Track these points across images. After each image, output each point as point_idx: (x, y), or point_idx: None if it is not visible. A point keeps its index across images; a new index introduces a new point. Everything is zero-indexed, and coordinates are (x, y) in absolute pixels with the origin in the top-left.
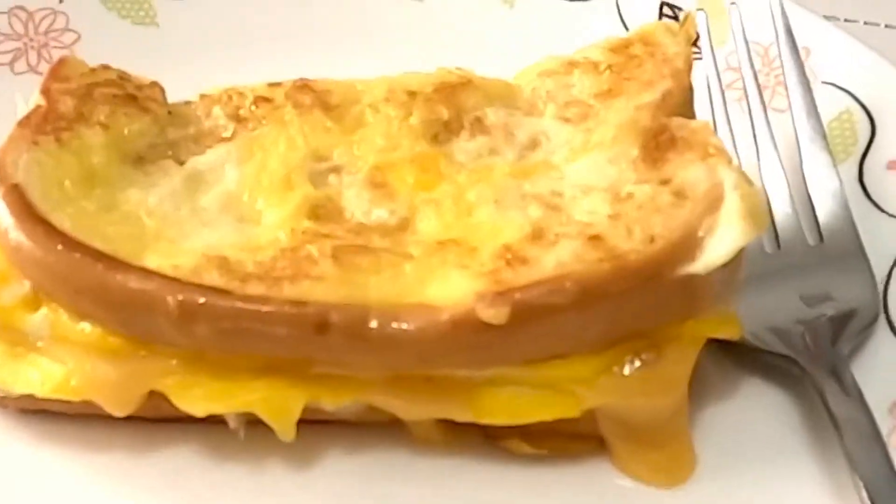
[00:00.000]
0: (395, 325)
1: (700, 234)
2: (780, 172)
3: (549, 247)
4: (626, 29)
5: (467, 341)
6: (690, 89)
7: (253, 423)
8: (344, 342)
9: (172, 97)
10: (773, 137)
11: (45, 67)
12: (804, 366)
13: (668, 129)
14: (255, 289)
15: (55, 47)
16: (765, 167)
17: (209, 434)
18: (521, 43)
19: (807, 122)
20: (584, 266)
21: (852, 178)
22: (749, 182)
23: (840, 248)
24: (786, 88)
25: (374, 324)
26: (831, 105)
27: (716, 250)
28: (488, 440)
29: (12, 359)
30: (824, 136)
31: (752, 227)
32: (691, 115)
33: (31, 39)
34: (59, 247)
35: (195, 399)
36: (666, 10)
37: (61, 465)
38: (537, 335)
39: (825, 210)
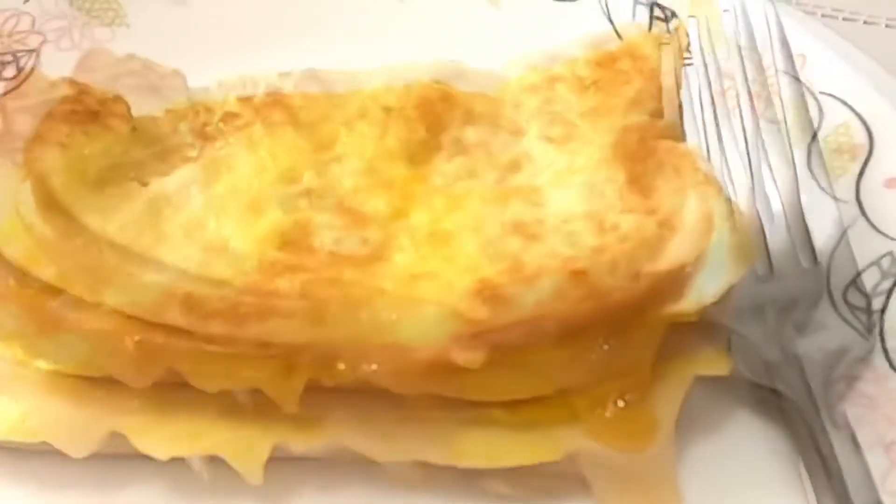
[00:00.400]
0: (364, 368)
1: (688, 269)
2: (774, 190)
3: (529, 282)
4: (614, 27)
5: (442, 384)
6: (680, 108)
7: (220, 461)
8: (312, 383)
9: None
10: (766, 153)
11: (11, 72)
12: (797, 402)
13: (655, 153)
14: (218, 328)
15: (21, 51)
16: (757, 184)
17: (174, 473)
18: (506, 41)
19: (801, 139)
20: (565, 304)
21: (850, 197)
22: (739, 213)
23: (834, 271)
24: (781, 101)
25: (342, 367)
26: (829, 117)
27: (704, 288)
28: (466, 480)
29: None
30: (820, 154)
31: (742, 262)
32: (681, 131)
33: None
34: (11, 281)
35: (157, 441)
36: (657, 11)
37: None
38: (515, 376)
39: (820, 231)
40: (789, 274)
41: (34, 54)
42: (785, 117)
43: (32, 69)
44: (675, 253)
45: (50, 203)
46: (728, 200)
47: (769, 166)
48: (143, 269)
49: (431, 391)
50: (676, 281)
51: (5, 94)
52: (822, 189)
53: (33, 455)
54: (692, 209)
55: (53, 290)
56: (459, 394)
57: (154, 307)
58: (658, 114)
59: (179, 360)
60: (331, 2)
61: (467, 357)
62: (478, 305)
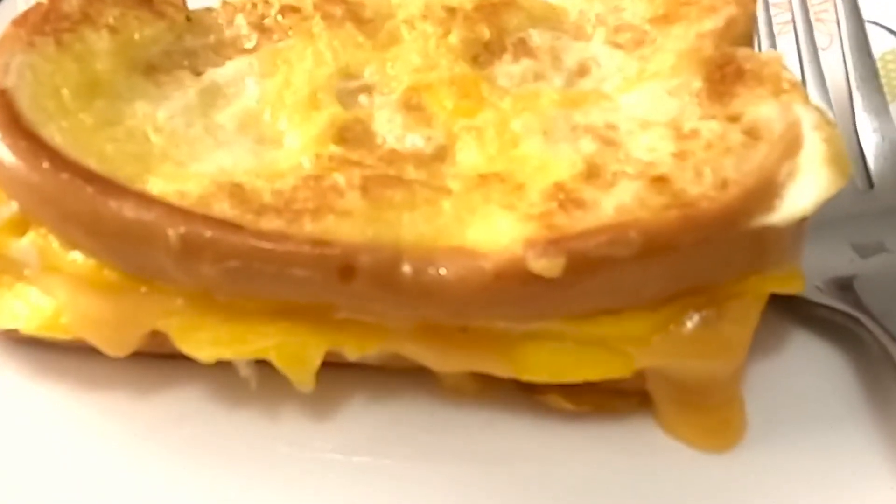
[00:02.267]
0: (430, 272)
1: (779, 179)
2: (829, 113)
3: (606, 187)
4: None
5: (512, 294)
6: (754, 16)
7: (267, 366)
8: (371, 290)
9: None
10: (822, 76)
11: None
12: (866, 324)
13: (734, 60)
14: (271, 223)
15: None
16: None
17: (219, 374)
18: None
19: (859, 61)
20: (649, 213)
21: None
22: (830, 123)
23: (891, 195)
24: (837, 26)
25: (406, 270)
26: (875, 45)
27: (798, 200)
28: (524, 393)
29: None
30: (877, 76)
31: (837, 174)
32: (753, 44)
33: None
34: (46, 164)
35: (202, 343)
36: None
37: (54, 403)
38: (591, 289)
39: (875, 154)
40: (846, 196)
41: None
42: (843, 44)
43: None
44: (763, 162)
45: (93, 87)
46: (817, 108)
47: (826, 90)
48: (191, 159)
49: (497, 311)
50: (767, 191)
51: None
52: (879, 113)
53: (66, 351)
54: (778, 117)
55: (91, 177)
56: (530, 308)
57: (202, 198)
58: (733, 21)
59: (227, 259)
60: None
61: (544, 265)
62: (554, 210)
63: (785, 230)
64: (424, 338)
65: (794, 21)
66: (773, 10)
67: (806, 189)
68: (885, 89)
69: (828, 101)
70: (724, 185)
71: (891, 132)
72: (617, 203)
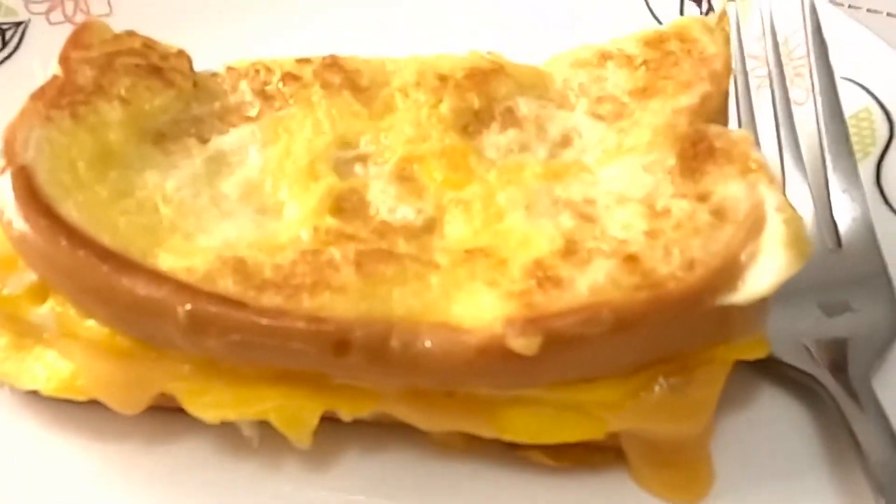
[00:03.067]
0: (418, 346)
1: (741, 260)
2: (803, 174)
3: (582, 265)
4: (649, 7)
5: (493, 367)
6: (727, 93)
7: (268, 422)
8: (364, 362)
9: (203, 53)
10: (796, 137)
11: (81, 18)
12: (825, 384)
13: (706, 138)
14: (271, 299)
15: (6, 24)
16: (788, 167)
17: (224, 427)
18: (549, 25)
19: (831, 122)
20: (620, 293)
21: (869, 180)
22: (791, 205)
23: (859, 255)
24: (812, 86)
25: (396, 344)
26: (849, 102)
27: (758, 280)
28: (509, 449)
29: (17, 350)
30: (848, 139)
31: (796, 256)
32: (726, 118)
33: None
34: (64, 242)
35: (207, 405)
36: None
37: (69, 454)
38: (567, 363)
39: (844, 214)
40: (815, 256)
41: (21, 27)
42: (816, 105)
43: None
44: (728, 242)
45: (107, 159)
46: (780, 190)
47: (800, 151)
48: (198, 230)
49: (480, 381)
50: (730, 273)
51: (70, 45)
52: (850, 175)
53: (81, 404)
54: (744, 197)
55: (106, 254)
56: (510, 380)
57: (208, 274)
58: (707, 98)
59: (231, 332)
60: None
61: (522, 343)
62: (533, 288)
63: (748, 306)
64: (413, 401)
65: (770, 81)
66: (752, 63)
67: (766, 271)
68: (859, 147)
69: (801, 162)
70: (690, 265)
71: (859, 195)
72: (591, 282)
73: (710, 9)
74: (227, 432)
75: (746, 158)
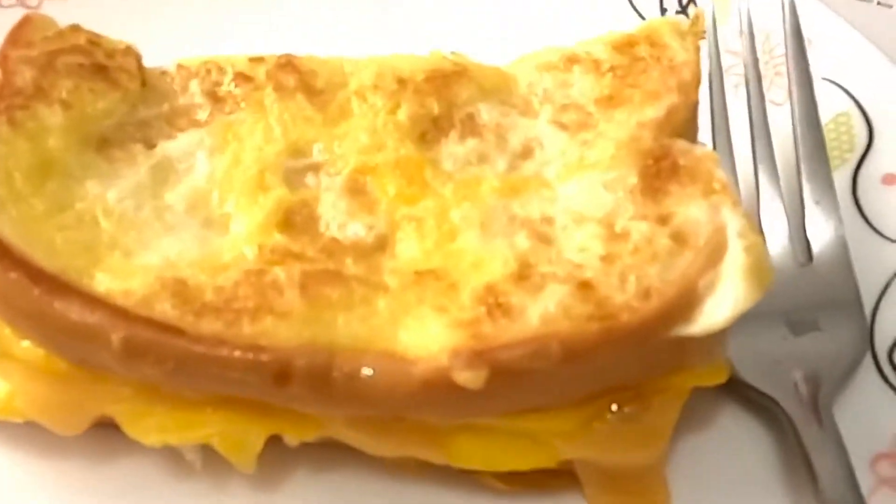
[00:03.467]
0: (361, 376)
1: (699, 289)
2: (775, 183)
3: (534, 291)
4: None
5: (439, 399)
6: (696, 105)
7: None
8: (306, 392)
9: (155, 41)
10: (771, 147)
11: (34, 1)
12: (785, 408)
13: (670, 154)
14: (210, 325)
15: None
16: (761, 178)
17: (168, 450)
18: (509, 5)
19: (807, 130)
20: (571, 324)
21: (845, 190)
22: (754, 230)
23: (830, 271)
24: (789, 91)
25: (338, 374)
26: (829, 104)
27: (715, 312)
28: (461, 471)
29: None
30: (824, 147)
31: (756, 287)
32: (695, 129)
33: None
34: None
35: (148, 430)
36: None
37: (8, 470)
38: (515, 394)
39: (817, 227)
40: (784, 271)
41: None
42: (793, 111)
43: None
44: (686, 270)
45: (46, 168)
46: (743, 213)
47: (774, 162)
48: (139, 247)
49: (425, 412)
50: (687, 303)
51: (9, 43)
52: (824, 187)
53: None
54: (705, 220)
55: (39, 276)
56: (457, 410)
57: (145, 298)
58: (674, 110)
59: (167, 361)
60: None
61: (468, 376)
62: (482, 316)
63: (705, 336)
64: (361, 427)
65: (746, 84)
66: (732, 59)
67: (724, 302)
68: (836, 153)
69: (775, 170)
70: (646, 294)
71: (833, 207)
72: (542, 311)
73: (691, 2)
74: (171, 452)
75: (710, 178)
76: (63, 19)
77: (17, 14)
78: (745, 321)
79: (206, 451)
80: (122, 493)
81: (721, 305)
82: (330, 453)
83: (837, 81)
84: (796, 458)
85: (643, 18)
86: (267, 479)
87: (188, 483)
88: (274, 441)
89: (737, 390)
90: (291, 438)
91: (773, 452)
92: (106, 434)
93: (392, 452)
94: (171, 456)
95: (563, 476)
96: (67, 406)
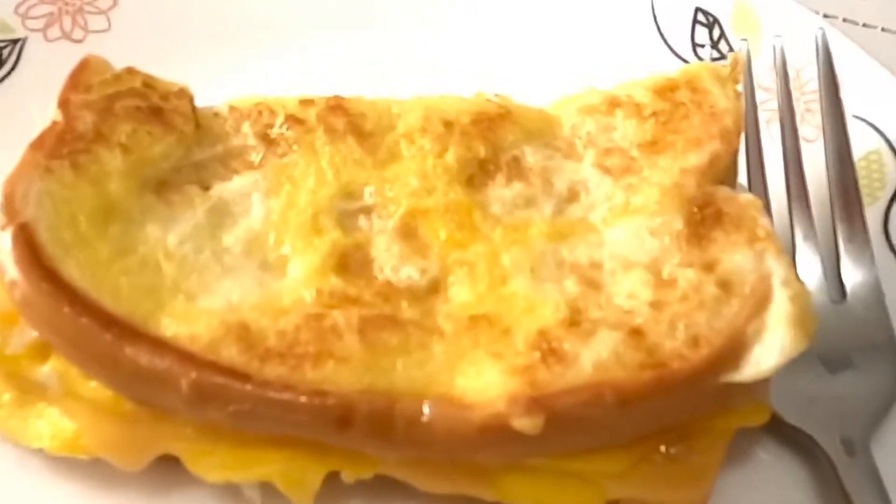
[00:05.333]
0: (421, 421)
1: (746, 337)
2: (809, 222)
3: (586, 337)
4: (660, 33)
5: (496, 443)
6: (737, 151)
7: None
8: (366, 436)
9: (202, 76)
10: (805, 185)
11: (79, 35)
12: (823, 446)
13: (714, 202)
14: (275, 370)
15: (90, 13)
16: (794, 213)
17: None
18: (551, 42)
19: (839, 169)
20: (624, 372)
21: (877, 227)
22: (798, 279)
23: (863, 309)
24: (823, 130)
25: (399, 420)
26: (860, 142)
27: (762, 359)
28: None
29: (21, 407)
30: (857, 185)
31: (802, 336)
32: (735, 173)
33: (66, 4)
34: (67, 309)
35: (210, 467)
36: (700, 16)
37: (71, 502)
38: (568, 439)
39: (850, 265)
40: (819, 309)
41: (18, 45)
42: (826, 150)
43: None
44: (733, 319)
45: (108, 212)
46: (787, 262)
47: (808, 201)
48: (200, 290)
49: (482, 455)
50: (734, 351)
51: (69, 87)
52: (857, 227)
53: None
54: (750, 269)
55: (109, 321)
56: (512, 454)
57: (211, 342)
58: (717, 157)
59: (234, 403)
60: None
61: (526, 423)
62: (536, 363)
63: (751, 382)
64: (415, 465)
65: (781, 125)
66: (764, 95)
67: (771, 350)
68: (867, 190)
69: (808, 209)
70: (695, 342)
71: (866, 245)
72: (595, 358)
73: (722, 35)
74: (227, 486)
75: (754, 226)
76: (107, 52)
77: (62, 47)
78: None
79: (265, 487)
80: None
81: (768, 353)
82: (383, 489)
83: (868, 119)
84: (835, 495)
85: (675, 54)
86: None
87: None
88: (329, 476)
89: (775, 428)
90: (348, 476)
91: (812, 489)
92: (163, 468)
93: (444, 490)
94: (228, 490)
95: None
96: (132, 444)
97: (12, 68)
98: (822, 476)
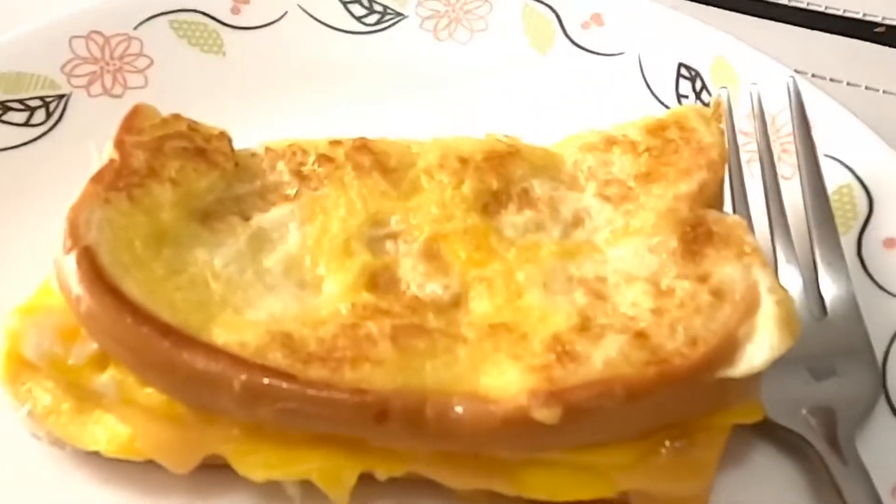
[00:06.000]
0: (450, 415)
1: (738, 338)
2: (790, 248)
3: (596, 340)
4: (647, 85)
5: (518, 434)
6: (723, 180)
7: (305, 480)
8: (401, 429)
9: (236, 126)
10: (784, 214)
11: (119, 91)
12: (813, 443)
13: (705, 223)
14: (317, 371)
15: (129, 71)
16: (776, 241)
17: (263, 486)
18: (552, 91)
19: (816, 200)
20: (631, 368)
21: (852, 252)
22: (782, 287)
23: (843, 324)
24: (798, 165)
25: (430, 413)
26: (832, 178)
27: (754, 356)
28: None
29: (79, 414)
30: (831, 215)
31: (788, 335)
32: (722, 200)
33: (107, 63)
34: (129, 320)
35: (254, 466)
36: (683, 70)
37: None
38: (582, 430)
39: (829, 285)
40: (802, 324)
41: (64, 100)
42: (802, 185)
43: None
44: (726, 321)
45: (160, 238)
46: (772, 272)
47: (788, 229)
48: (246, 305)
49: (504, 446)
50: (729, 349)
51: (123, 130)
52: (833, 250)
53: (129, 461)
54: (739, 279)
55: (167, 330)
56: (532, 444)
57: (259, 348)
58: (705, 185)
59: (281, 402)
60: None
61: (545, 413)
62: (552, 362)
63: (744, 378)
64: (442, 462)
65: (761, 162)
66: (743, 139)
67: (761, 347)
68: (841, 220)
69: (789, 237)
70: (694, 342)
71: (842, 268)
72: (605, 357)
73: (703, 88)
74: (264, 490)
75: (741, 243)
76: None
77: (103, 102)
78: (772, 370)
79: (305, 486)
80: None
81: (759, 351)
82: (411, 491)
83: (838, 157)
84: (824, 488)
85: (662, 104)
86: None
87: None
88: (362, 479)
89: (768, 431)
90: (381, 473)
91: (803, 485)
92: (203, 474)
93: (468, 485)
94: (263, 494)
95: None
96: (183, 446)
97: (58, 120)
98: (813, 473)
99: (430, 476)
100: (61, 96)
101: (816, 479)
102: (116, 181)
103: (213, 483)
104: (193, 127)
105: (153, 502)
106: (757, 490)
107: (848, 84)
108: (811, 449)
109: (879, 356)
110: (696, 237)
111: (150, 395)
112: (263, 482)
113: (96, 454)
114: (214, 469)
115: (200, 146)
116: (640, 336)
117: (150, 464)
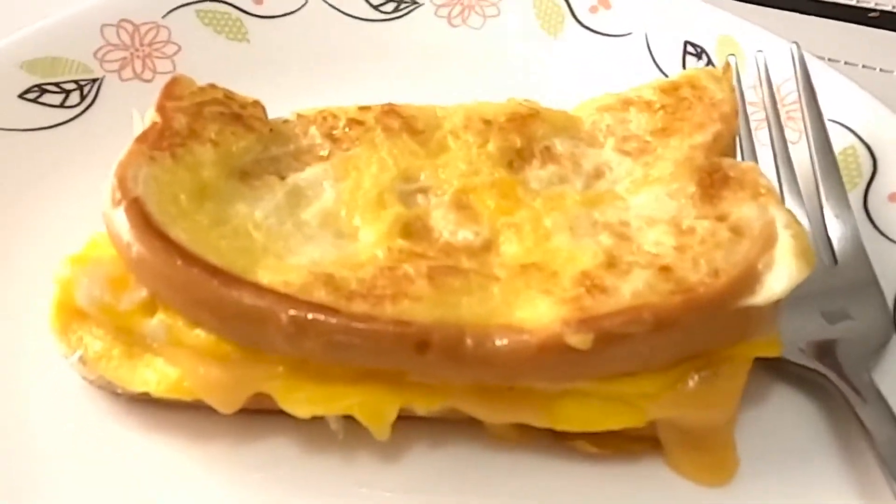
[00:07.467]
0: (487, 345)
1: (758, 269)
2: (800, 202)
3: (623, 275)
4: (655, 63)
5: (552, 361)
6: (736, 132)
7: (349, 418)
8: (441, 360)
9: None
10: (794, 172)
11: (149, 75)
12: (833, 381)
13: (720, 169)
14: (360, 306)
15: (158, 57)
16: (787, 197)
17: (303, 427)
18: (564, 72)
19: (823, 157)
20: (658, 297)
21: (859, 207)
22: (797, 221)
23: (852, 270)
24: (804, 125)
25: (469, 343)
26: (836, 141)
27: (775, 285)
28: (557, 440)
29: (129, 359)
30: (838, 170)
31: (804, 264)
32: (735, 154)
33: (137, 49)
34: (179, 261)
35: (299, 402)
36: (689, 48)
37: (169, 454)
38: (614, 357)
39: (838, 236)
40: (815, 272)
41: (97, 83)
42: (809, 143)
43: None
44: (746, 254)
45: (203, 192)
46: (787, 209)
47: (797, 183)
48: (287, 252)
49: (540, 375)
50: (749, 279)
51: (165, 96)
52: (841, 201)
53: (174, 409)
54: (756, 216)
55: (215, 270)
56: (566, 372)
57: (303, 286)
58: (719, 136)
59: (327, 335)
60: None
61: (578, 339)
62: (583, 294)
63: (764, 308)
64: (478, 396)
65: (768, 123)
66: (750, 109)
67: (780, 276)
68: (847, 178)
69: (798, 192)
70: (716, 273)
71: (850, 218)
72: (632, 289)
73: (709, 63)
74: (305, 431)
75: (756, 185)
76: None
77: (134, 86)
78: (788, 314)
79: (347, 421)
80: (262, 466)
81: (778, 280)
82: (444, 429)
83: (841, 121)
84: (845, 421)
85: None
86: (392, 455)
87: (321, 458)
88: (399, 420)
89: (787, 371)
90: (420, 408)
91: (822, 418)
92: (247, 418)
93: (504, 419)
94: (305, 435)
95: (646, 442)
96: (230, 385)
97: (91, 102)
98: (832, 407)
99: (466, 410)
100: (94, 80)
101: (835, 413)
102: (160, 141)
103: (257, 428)
104: (229, 95)
105: (201, 446)
106: (778, 426)
107: (846, 63)
108: (829, 384)
109: (889, 300)
110: (712, 182)
111: (198, 336)
112: (307, 423)
113: (146, 401)
114: (258, 414)
115: (237, 112)
116: (665, 270)
117: (198, 410)
